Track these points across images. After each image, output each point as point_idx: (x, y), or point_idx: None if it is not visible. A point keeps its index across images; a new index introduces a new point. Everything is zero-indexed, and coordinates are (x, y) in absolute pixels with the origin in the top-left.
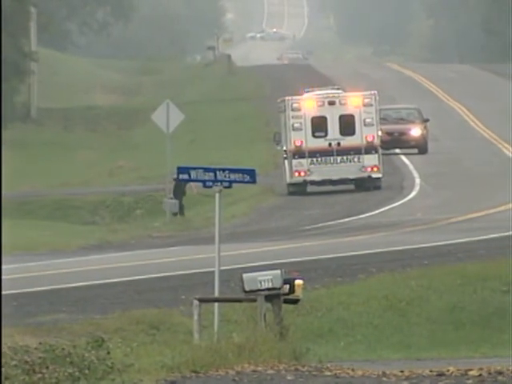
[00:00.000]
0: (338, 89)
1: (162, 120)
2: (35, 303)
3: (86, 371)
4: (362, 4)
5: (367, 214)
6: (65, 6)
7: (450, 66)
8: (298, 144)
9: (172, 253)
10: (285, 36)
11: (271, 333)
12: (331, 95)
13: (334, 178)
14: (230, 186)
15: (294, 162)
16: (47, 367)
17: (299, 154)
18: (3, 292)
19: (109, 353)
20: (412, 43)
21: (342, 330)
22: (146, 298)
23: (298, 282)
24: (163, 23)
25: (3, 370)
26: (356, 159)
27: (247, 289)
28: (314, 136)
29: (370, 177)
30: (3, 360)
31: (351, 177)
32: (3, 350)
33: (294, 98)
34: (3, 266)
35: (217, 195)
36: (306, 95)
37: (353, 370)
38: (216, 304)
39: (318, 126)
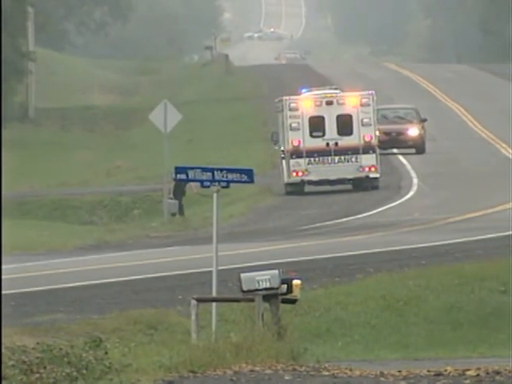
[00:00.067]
0: (335, 89)
1: (160, 120)
2: (33, 303)
3: (84, 371)
4: (359, 4)
5: (365, 214)
6: (62, 5)
7: (448, 65)
8: (295, 144)
9: (169, 253)
10: (282, 36)
11: (269, 333)
12: (329, 95)
13: (332, 177)
14: (227, 186)
15: (292, 161)
16: (45, 367)
17: (297, 153)
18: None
19: (106, 353)
20: (410, 43)
21: (340, 330)
22: (143, 297)
23: (296, 281)
24: (161, 23)
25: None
26: (354, 159)
27: (245, 289)
28: (311, 136)
29: (367, 177)
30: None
31: (349, 177)
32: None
33: (292, 97)
34: (2, 266)
35: (214, 195)
36: (303, 95)
37: (350, 369)
38: (214, 304)
39: (316, 125)
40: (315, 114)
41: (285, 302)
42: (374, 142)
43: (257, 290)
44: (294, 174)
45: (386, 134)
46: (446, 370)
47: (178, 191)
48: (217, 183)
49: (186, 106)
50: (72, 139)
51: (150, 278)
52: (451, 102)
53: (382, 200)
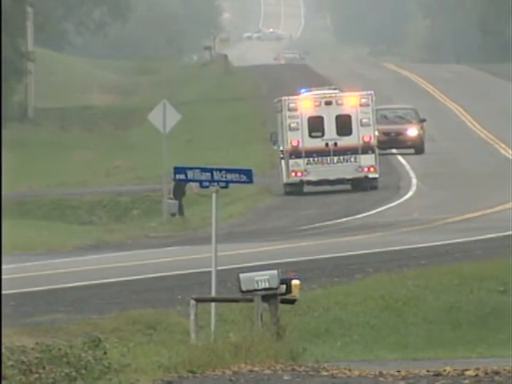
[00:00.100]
0: (334, 89)
1: (159, 120)
2: (32, 303)
3: (83, 371)
4: (358, 4)
5: (364, 214)
6: (61, 5)
7: (447, 66)
8: (294, 144)
9: (169, 253)
10: (281, 36)
11: (268, 333)
12: (328, 95)
13: (331, 178)
14: (226, 186)
15: (291, 162)
16: (44, 367)
17: (296, 154)
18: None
19: (105, 353)
20: (408, 43)
21: (339, 330)
22: (142, 298)
23: (295, 282)
24: (160, 23)
25: None
26: (353, 159)
27: (244, 289)
28: (310, 136)
29: (366, 177)
30: None
31: (348, 177)
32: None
33: (291, 97)
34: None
35: (213, 195)
36: (302, 95)
37: (349, 370)
38: (213, 304)
39: (315, 126)
40: (314, 114)
41: (284, 302)
42: (373, 142)
43: (256, 290)
44: (293, 174)
45: (385, 134)
46: (445, 370)
47: (178, 191)
48: (216, 183)
49: (185, 106)
50: (71, 139)
51: (149, 278)
52: (450, 102)
53: (381, 200)
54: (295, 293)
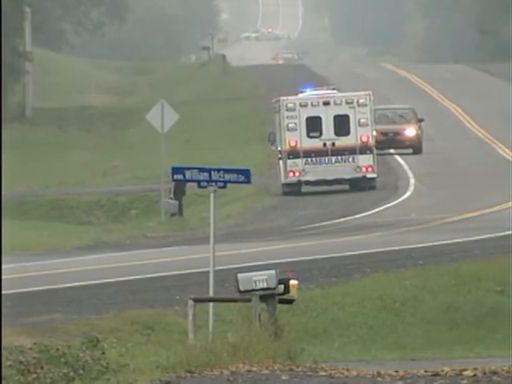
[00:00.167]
0: (332, 89)
1: (157, 120)
2: (30, 303)
3: (81, 371)
4: (356, 4)
5: (362, 214)
6: (59, 5)
7: (445, 66)
8: (292, 144)
9: (167, 253)
10: (279, 36)
11: (266, 333)
12: (326, 95)
13: (329, 178)
14: (224, 186)
15: (289, 162)
16: (42, 367)
17: (294, 154)
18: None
19: (104, 353)
20: (406, 43)
21: (337, 331)
22: (140, 298)
23: (293, 282)
24: (158, 23)
25: None
26: (351, 159)
27: (242, 289)
28: (308, 136)
29: (364, 177)
30: None
31: (346, 177)
32: None
33: (289, 98)
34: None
35: (211, 195)
36: (300, 95)
37: (347, 370)
38: (211, 304)
39: (313, 126)
40: (312, 114)
41: (282, 302)
42: (371, 142)
43: (254, 290)
44: (291, 174)
45: (383, 134)
46: (443, 370)
47: (179, 191)
48: (214, 183)
49: (183, 106)
50: (69, 139)
51: (147, 278)
52: (448, 102)
53: (379, 200)
54: (293, 293)
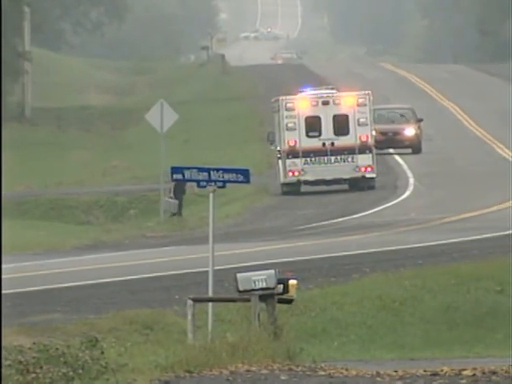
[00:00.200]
0: (332, 88)
1: (156, 120)
2: (29, 303)
3: (80, 371)
4: (355, 4)
5: (361, 214)
6: (58, 5)
7: (444, 66)
8: (291, 144)
9: (166, 253)
10: (278, 36)
11: (265, 333)
12: (325, 95)
13: (328, 177)
14: (223, 186)
15: (288, 161)
16: (41, 367)
17: (293, 153)
18: None
19: (103, 353)
20: (406, 43)
21: (336, 330)
22: (139, 297)
23: (292, 281)
24: (157, 23)
25: None
26: (350, 159)
27: (241, 289)
28: (307, 136)
29: (363, 177)
30: None
31: (345, 177)
32: None
33: (288, 97)
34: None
35: (211, 195)
36: (299, 95)
37: (346, 369)
38: (210, 304)
39: (312, 125)
40: (311, 114)
41: (281, 301)
42: (371, 141)
43: (253, 289)
44: (291, 173)
45: (383, 133)
46: (442, 370)
47: (179, 190)
48: (213, 183)
49: (183, 105)
50: (68, 139)
51: (146, 278)
52: (447, 101)
53: (378, 200)
54: (292, 293)
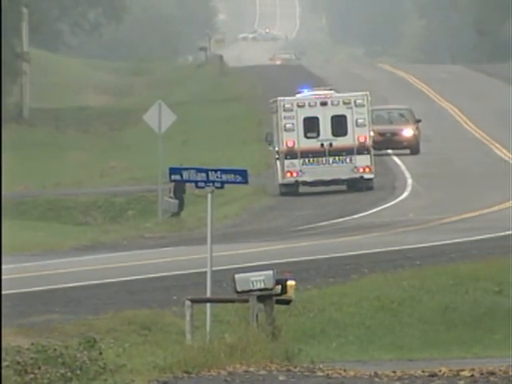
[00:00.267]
0: (330, 89)
1: (154, 120)
2: (27, 304)
3: (78, 372)
4: (353, 5)
5: (359, 215)
6: (56, 6)
7: (442, 66)
8: (290, 144)
9: (164, 253)
10: (277, 36)
11: (263, 333)
12: (323, 96)
13: (326, 178)
14: (222, 187)
15: (286, 162)
16: (39, 368)
17: (291, 154)
18: None
19: (101, 353)
20: (404, 44)
21: (334, 331)
22: (138, 298)
23: (290, 282)
24: (155, 24)
25: None
26: (348, 160)
27: (239, 289)
28: (306, 137)
29: (362, 177)
30: None
31: (343, 177)
32: None
33: (286, 98)
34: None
35: (209, 196)
36: (298, 96)
37: (345, 370)
38: (208, 304)
39: (310, 126)
40: (309, 114)
41: (279, 302)
42: (369, 142)
43: (251, 290)
44: (289, 174)
45: (381, 134)
46: (440, 371)
47: (179, 190)
48: (211, 184)
49: (181, 106)
50: (66, 140)
51: (144, 279)
52: (445, 102)
53: (376, 201)
54: (290, 293)
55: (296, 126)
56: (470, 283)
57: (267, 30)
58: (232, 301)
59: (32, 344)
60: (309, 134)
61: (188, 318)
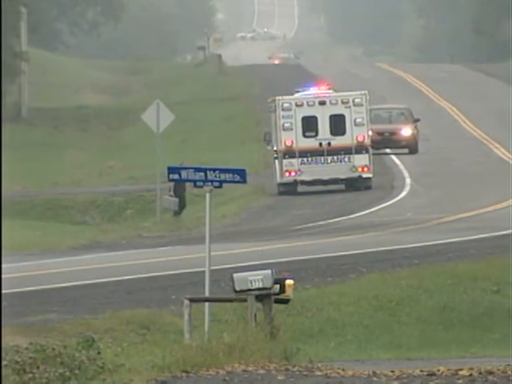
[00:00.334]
0: (328, 89)
1: (153, 120)
2: (26, 303)
3: (77, 371)
4: (352, 4)
5: (358, 214)
6: (55, 5)
7: (441, 65)
8: (288, 144)
9: (162, 253)
10: (275, 36)
11: (262, 333)
12: (322, 95)
13: (325, 177)
14: (220, 186)
15: (285, 161)
16: (38, 367)
17: (290, 153)
18: None
19: (99, 353)
20: (402, 43)
21: (333, 330)
22: (136, 298)
23: (289, 281)
24: (153, 23)
25: None
26: (346, 159)
27: (238, 289)
28: (304, 136)
29: (360, 177)
30: None
31: (342, 177)
32: None
33: (285, 97)
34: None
35: (207, 195)
36: (296, 95)
37: (343, 369)
38: (206, 304)
39: (309, 125)
40: (308, 113)
41: (277, 302)
42: (367, 141)
43: (250, 290)
44: (287, 173)
45: (379, 133)
46: (438, 370)
47: (179, 188)
48: (210, 183)
49: (179, 106)
50: (65, 139)
51: (142, 278)
52: (444, 101)
53: (374, 200)
54: (289, 293)
55: (294, 125)
56: (469, 283)
57: (266, 30)
58: (230, 300)
59: (30, 343)
60: (307, 134)
61: (186, 317)
